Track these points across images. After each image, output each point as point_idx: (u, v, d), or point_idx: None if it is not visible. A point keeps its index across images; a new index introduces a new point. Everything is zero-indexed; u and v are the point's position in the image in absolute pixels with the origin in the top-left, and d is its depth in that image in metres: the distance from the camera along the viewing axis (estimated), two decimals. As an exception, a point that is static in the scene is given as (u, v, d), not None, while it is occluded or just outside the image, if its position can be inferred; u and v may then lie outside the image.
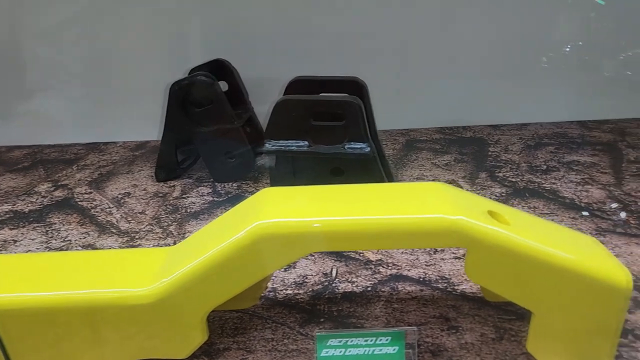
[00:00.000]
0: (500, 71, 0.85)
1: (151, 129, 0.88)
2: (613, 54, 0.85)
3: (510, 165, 0.76)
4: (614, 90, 0.86)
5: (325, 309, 0.52)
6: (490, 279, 0.44)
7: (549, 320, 0.44)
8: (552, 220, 0.62)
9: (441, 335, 0.49)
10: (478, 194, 0.67)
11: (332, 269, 0.57)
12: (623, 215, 0.61)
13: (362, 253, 0.60)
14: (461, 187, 0.69)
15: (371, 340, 0.44)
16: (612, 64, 0.85)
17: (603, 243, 0.56)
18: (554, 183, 0.71)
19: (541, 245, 0.43)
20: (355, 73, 0.71)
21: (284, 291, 0.54)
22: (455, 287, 0.54)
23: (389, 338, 0.44)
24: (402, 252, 0.59)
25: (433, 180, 0.72)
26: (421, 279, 0.55)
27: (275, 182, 0.70)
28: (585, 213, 0.64)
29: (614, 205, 0.60)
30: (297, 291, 0.54)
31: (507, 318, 0.47)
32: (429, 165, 0.78)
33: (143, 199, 0.72)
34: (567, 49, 0.85)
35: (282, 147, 0.67)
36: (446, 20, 0.83)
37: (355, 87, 0.69)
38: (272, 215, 0.43)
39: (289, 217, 0.43)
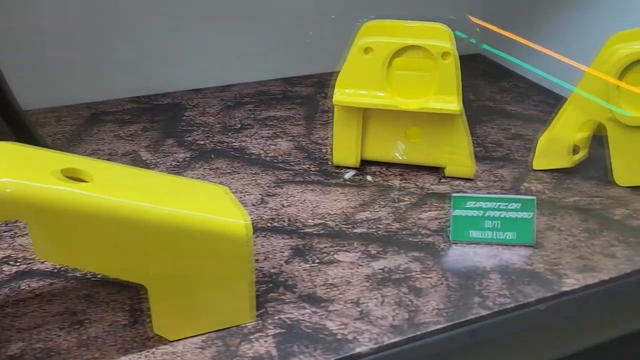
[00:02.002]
0: (196, 33, 0.79)
1: None
2: (319, 13, 0.86)
3: (203, 128, 0.71)
4: (318, 47, 0.86)
5: None
6: (70, 254, 0.35)
7: (168, 289, 0.37)
8: (233, 178, 0.58)
9: (57, 337, 0.40)
10: (159, 161, 0.61)
11: None
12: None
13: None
14: (141, 157, 0.62)
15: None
16: (315, 21, 0.86)
17: (280, 194, 0.54)
18: (243, 141, 0.67)
19: (134, 202, 0.35)
20: None
21: None
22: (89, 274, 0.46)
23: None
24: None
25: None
26: (55, 271, 0.46)
27: None
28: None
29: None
30: None
31: (146, 297, 0.40)
32: (110, 137, 0.69)
33: None
34: (271, 9, 0.82)
35: None
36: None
37: None
38: None
39: None
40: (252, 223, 0.40)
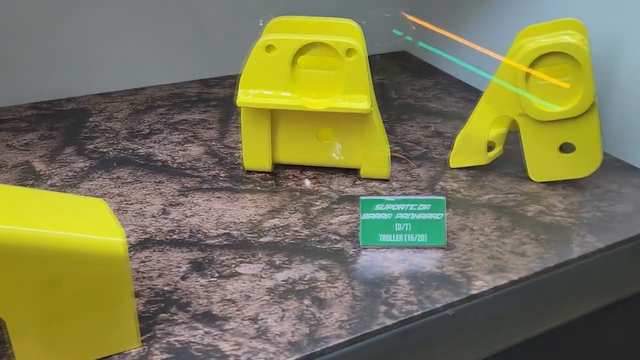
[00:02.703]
0: (106, 32, 0.73)
1: None
2: (240, 11, 0.81)
3: (107, 135, 0.66)
4: (238, 46, 0.83)
5: None
6: None
7: (30, 320, 0.33)
8: (134, 187, 0.54)
9: None
10: (54, 172, 0.56)
11: None
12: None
13: None
14: (34, 169, 0.57)
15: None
16: (236, 19, 0.81)
17: (184, 203, 0.51)
18: (151, 147, 0.62)
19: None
20: None
21: None
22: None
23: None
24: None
25: None
26: None
27: None
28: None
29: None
30: None
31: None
32: (2, 148, 0.63)
33: None
34: (189, 7, 0.77)
35: None
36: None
37: None
38: None
39: None
40: (150, 236, 0.37)
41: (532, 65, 0.52)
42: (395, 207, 0.48)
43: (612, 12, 0.60)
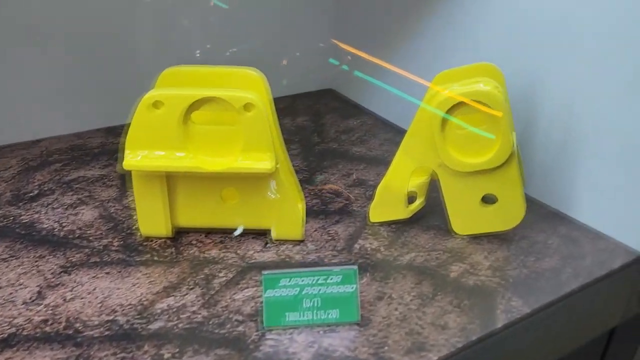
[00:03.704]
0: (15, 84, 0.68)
1: None
2: (152, 49, 0.74)
3: (-13, 199, 0.60)
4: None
5: None
6: None
7: None
8: (8, 266, 0.46)
9: None
10: None
11: None
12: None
13: None
14: None
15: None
16: (148, 59, 0.74)
17: (65, 283, 0.44)
18: (37, 212, 0.55)
19: None
20: None
21: None
22: None
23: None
24: None
25: None
26: None
27: None
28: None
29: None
30: None
31: None
32: None
33: None
34: (94, 45, 0.69)
35: None
36: None
37: None
38: None
39: None
40: (16, 330, 0.30)
41: (448, 113, 0.49)
42: (303, 281, 0.42)
43: (531, 53, 0.58)
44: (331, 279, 0.43)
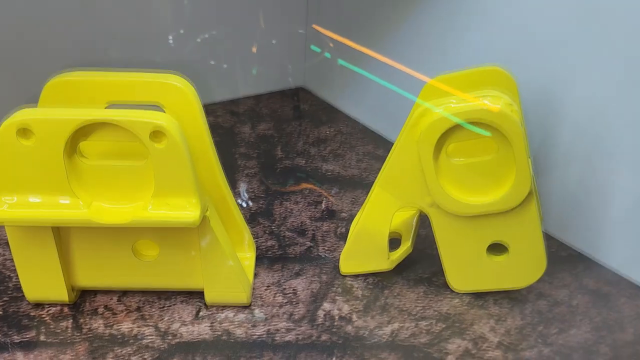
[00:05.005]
0: None
1: None
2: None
3: None
4: None
5: None
6: None
7: None
8: None
9: None
10: None
11: None
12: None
13: None
14: None
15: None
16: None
17: None
18: None
19: None
20: None
21: None
22: None
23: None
24: None
25: None
26: None
27: None
28: None
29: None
30: None
31: None
32: None
33: None
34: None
35: None
36: None
37: None
38: None
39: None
40: None
41: (444, 137, 0.35)
42: None
43: (547, 54, 0.44)
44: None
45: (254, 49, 0.71)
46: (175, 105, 0.35)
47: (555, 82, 0.44)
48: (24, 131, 0.31)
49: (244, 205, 0.51)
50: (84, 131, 0.32)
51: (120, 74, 0.36)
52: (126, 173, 0.33)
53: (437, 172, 0.37)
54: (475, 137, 0.36)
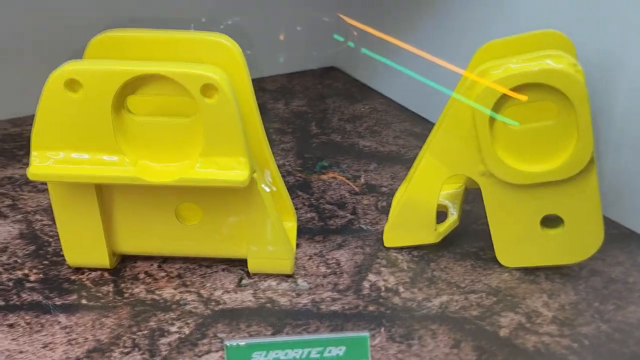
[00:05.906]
0: None
1: None
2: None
3: None
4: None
5: None
6: None
7: None
8: None
9: None
10: None
11: None
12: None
13: None
14: None
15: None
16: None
17: None
18: None
19: None
20: None
21: None
22: None
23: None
24: None
25: None
26: None
27: None
28: None
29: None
30: None
31: None
32: None
33: None
34: None
35: None
36: None
37: None
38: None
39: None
40: None
41: (501, 101, 0.34)
42: (287, 355, 0.31)
43: (603, 24, 0.41)
44: (330, 351, 0.30)
45: (282, 37, 0.71)
46: (223, 65, 0.33)
47: (610, 47, 0.42)
48: (72, 83, 0.30)
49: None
50: (133, 85, 0.31)
51: (167, 31, 0.35)
52: (174, 130, 0.32)
53: (493, 138, 0.35)
54: (535, 100, 0.34)
